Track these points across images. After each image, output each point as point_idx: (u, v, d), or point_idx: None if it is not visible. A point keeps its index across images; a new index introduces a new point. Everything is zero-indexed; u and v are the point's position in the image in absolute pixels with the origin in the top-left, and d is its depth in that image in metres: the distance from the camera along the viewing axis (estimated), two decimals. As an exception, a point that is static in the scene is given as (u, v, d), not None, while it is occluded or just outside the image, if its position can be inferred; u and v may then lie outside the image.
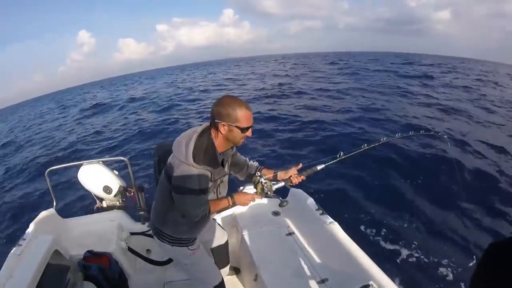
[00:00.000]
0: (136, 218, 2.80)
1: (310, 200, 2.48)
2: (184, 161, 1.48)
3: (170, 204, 1.64)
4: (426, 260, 3.86)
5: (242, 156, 1.98)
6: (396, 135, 2.51)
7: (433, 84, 18.54)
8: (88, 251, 2.32)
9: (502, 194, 5.31)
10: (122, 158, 2.77)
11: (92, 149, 9.66)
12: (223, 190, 1.80)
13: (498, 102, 13.59)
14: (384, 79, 20.21)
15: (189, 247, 1.84)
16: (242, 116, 1.50)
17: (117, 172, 2.77)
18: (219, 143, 1.59)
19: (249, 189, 2.29)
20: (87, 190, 2.77)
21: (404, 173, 5.99)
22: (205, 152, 1.52)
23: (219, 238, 2.27)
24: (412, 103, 12.61)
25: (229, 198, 1.76)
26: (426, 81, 19.48)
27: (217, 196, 1.76)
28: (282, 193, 1.94)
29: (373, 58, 49.31)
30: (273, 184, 1.83)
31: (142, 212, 2.77)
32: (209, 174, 1.53)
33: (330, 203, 4.41)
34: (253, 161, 1.99)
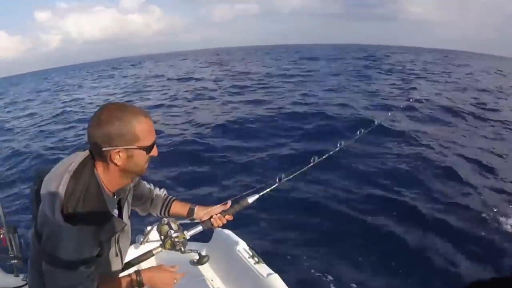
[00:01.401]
0: (7, 269, 2.19)
1: (242, 245, 2.01)
2: (51, 218, 0.98)
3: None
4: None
5: (146, 184, 1.50)
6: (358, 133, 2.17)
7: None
8: None
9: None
10: None
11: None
12: (125, 243, 1.27)
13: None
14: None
15: None
16: (143, 129, 1.07)
17: (-19, 209, 2.13)
18: (112, 179, 1.12)
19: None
20: None
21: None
22: (85, 201, 1.02)
23: None
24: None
25: (134, 276, 1.21)
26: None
27: (119, 253, 1.22)
28: (201, 233, 1.50)
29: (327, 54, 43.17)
30: (188, 231, 1.41)
31: (15, 261, 2.15)
32: (90, 236, 1.02)
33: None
34: (160, 189, 1.54)
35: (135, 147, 1.06)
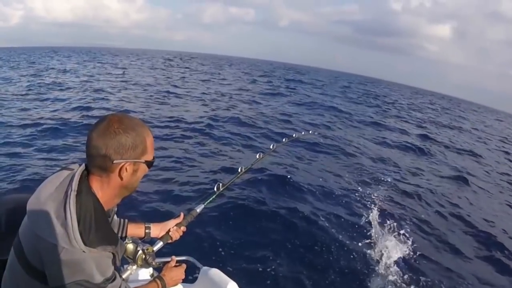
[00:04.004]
0: None
1: (232, 285, 1.85)
2: (65, 245, 0.88)
3: None
4: None
5: None
6: (272, 145, 2.61)
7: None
8: None
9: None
10: None
11: None
12: None
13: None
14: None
15: None
16: (151, 142, 1.06)
17: None
18: (109, 197, 1.04)
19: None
20: None
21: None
22: (97, 222, 0.95)
23: None
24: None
25: (157, 280, 1.32)
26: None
27: None
28: (187, 272, 1.52)
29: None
30: (152, 246, 1.44)
31: None
32: (111, 257, 0.99)
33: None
34: None
35: (143, 161, 1.03)
